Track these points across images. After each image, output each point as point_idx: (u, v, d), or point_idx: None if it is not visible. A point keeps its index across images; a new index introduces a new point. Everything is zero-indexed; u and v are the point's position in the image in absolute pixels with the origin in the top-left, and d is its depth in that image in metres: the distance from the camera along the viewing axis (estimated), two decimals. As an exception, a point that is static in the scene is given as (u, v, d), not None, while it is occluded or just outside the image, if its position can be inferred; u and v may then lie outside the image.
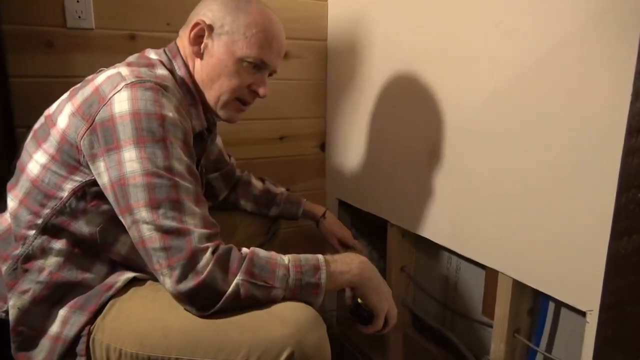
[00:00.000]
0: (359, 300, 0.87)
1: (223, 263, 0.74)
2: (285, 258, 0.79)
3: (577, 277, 0.83)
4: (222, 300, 0.73)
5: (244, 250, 0.78)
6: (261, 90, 0.95)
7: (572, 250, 0.83)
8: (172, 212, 0.74)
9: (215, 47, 0.89)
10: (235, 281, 0.73)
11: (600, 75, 0.77)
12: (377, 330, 0.88)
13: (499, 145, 0.96)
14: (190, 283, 0.72)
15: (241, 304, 0.74)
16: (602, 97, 0.76)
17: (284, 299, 0.76)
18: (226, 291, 0.73)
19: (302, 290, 0.77)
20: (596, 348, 0.80)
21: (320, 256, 0.81)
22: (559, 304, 0.98)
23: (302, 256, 0.81)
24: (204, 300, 0.73)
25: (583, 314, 0.83)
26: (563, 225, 0.85)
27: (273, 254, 0.79)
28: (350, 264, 0.84)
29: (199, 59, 0.91)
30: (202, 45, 0.90)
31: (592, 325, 0.81)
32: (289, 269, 0.77)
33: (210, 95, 0.92)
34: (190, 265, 0.72)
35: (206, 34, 0.89)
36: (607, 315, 0.79)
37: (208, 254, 0.73)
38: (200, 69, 0.91)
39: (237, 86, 0.92)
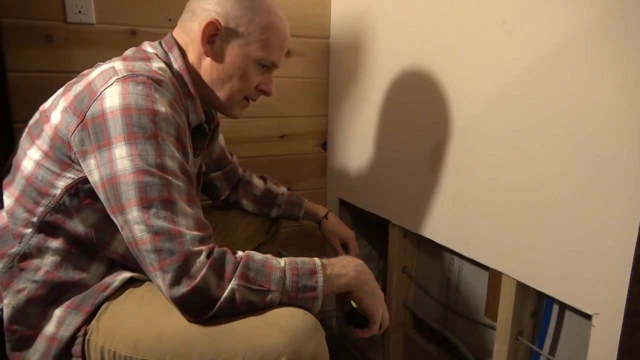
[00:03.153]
0: (354, 305, 0.86)
1: (217, 267, 0.71)
2: (282, 261, 0.77)
3: (583, 280, 0.82)
4: (217, 306, 0.71)
5: (239, 253, 0.76)
6: (270, 89, 0.96)
7: (577, 252, 0.82)
8: (164, 212, 0.72)
9: (229, 48, 0.88)
10: (230, 286, 0.71)
11: (609, 75, 0.75)
12: (373, 333, 0.87)
13: (504, 145, 0.94)
14: (183, 288, 0.70)
15: (237, 310, 0.72)
16: (611, 98, 0.75)
17: (281, 304, 0.74)
18: (220, 296, 0.71)
19: (298, 293, 0.75)
20: (620, 357, 0.77)
21: (317, 259, 0.79)
22: (563, 307, 0.96)
23: (299, 259, 0.78)
24: (198, 306, 0.71)
25: (588, 317, 0.82)
26: (569, 227, 0.83)
27: (269, 257, 0.77)
28: (347, 266, 0.82)
29: (209, 58, 0.89)
30: (215, 46, 0.88)
31: (599, 329, 0.79)
32: (285, 271, 0.75)
33: (221, 96, 0.92)
34: (183, 269, 0.70)
35: (220, 34, 0.87)
36: (633, 322, 0.77)
37: (202, 257, 0.71)
38: (210, 69, 0.89)
39: (248, 87, 0.93)
